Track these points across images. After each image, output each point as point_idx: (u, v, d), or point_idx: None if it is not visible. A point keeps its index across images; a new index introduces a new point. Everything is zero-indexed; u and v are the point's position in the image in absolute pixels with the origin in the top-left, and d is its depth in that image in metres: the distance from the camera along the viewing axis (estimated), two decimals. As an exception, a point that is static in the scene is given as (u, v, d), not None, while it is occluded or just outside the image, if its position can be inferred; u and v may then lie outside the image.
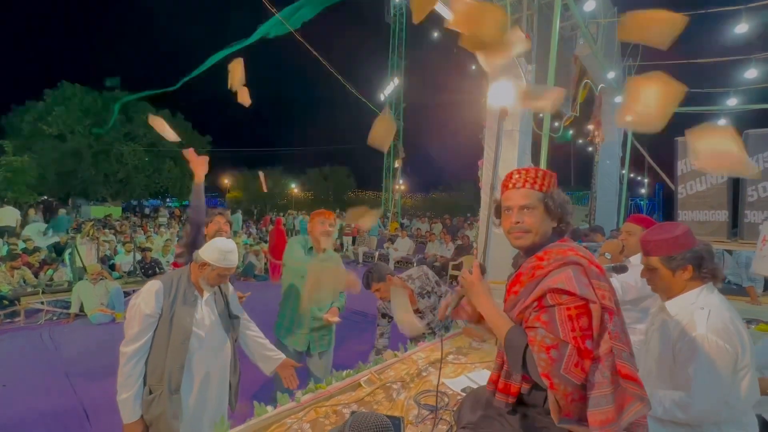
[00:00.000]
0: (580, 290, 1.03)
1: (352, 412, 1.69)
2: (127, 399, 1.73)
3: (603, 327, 1.04)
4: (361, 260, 11.94)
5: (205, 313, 1.91)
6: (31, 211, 10.20)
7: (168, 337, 1.79)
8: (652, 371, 1.62)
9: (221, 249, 1.84)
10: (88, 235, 8.09)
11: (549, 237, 1.23)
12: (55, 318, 5.91)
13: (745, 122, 7.87)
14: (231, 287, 2.17)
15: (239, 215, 17.39)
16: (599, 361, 1.02)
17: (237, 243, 10.14)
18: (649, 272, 1.61)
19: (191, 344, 1.83)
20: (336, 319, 2.60)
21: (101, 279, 6.07)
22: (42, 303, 5.86)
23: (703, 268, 1.52)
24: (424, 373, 2.23)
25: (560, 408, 1.04)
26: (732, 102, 7.66)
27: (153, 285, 1.84)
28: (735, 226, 4.04)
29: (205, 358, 1.89)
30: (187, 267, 1.96)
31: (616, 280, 2.28)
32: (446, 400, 1.92)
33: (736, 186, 3.97)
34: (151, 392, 1.78)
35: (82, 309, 5.88)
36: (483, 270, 1.28)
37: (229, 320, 2.02)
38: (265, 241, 11.18)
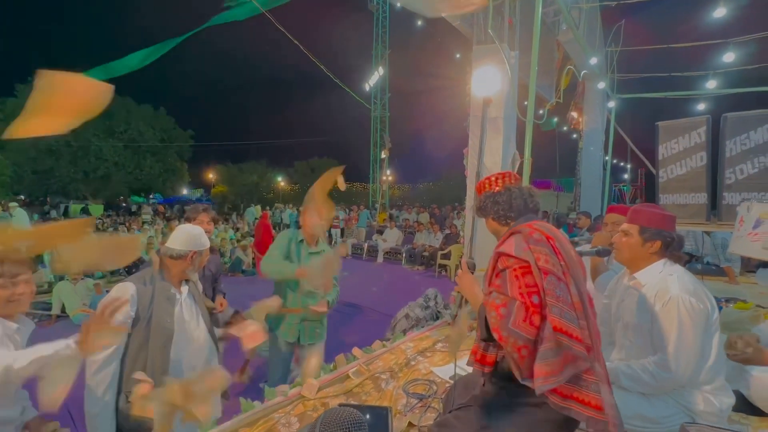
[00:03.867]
0: (516, 251, 1.19)
1: (340, 404, 1.68)
2: (98, 414, 1.64)
3: (540, 285, 1.15)
4: (350, 252, 11.91)
5: (185, 309, 1.84)
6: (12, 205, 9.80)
7: (146, 340, 1.70)
8: (632, 343, 1.70)
9: (193, 234, 1.82)
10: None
11: (501, 225, 1.42)
12: (36, 320, 5.76)
13: (723, 106, 8.04)
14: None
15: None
16: (546, 318, 1.12)
17: (224, 238, 9.94)
18: (623, 235, 1.75)
19: (175, 344, 1.75)
20: (323, 309, 2.53)
21: (82, 279, 5.92)
22: (21, 305, 5.70)
23: (669, 250, 1.68)
24: (413, 363, 2.24)
25: (516, 364, 1.14)
26: (711, 85, 7.79)
27: (125, 287, 1.72)
28: (714, 208, 4.13)
29: (190, 355, 1.82)
30: (155, 265, 1.86)
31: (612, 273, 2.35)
32: (435, 388, 1.93)
33: (714, 169, 4.05)
34: (129, 399, 1.68)
35: (63, 310, 5.74)
36: (471, 267, 1.45)
37: (207, 315, 1.96)
38: (252, 236, 11.05)
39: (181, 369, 1.78)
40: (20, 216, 9.40)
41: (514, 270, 1.17)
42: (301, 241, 2.64)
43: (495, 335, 1.13)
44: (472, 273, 1.43)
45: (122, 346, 1.70)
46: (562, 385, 1.11)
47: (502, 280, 1.20)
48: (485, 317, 1.18)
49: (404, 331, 2.72)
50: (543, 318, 1.12)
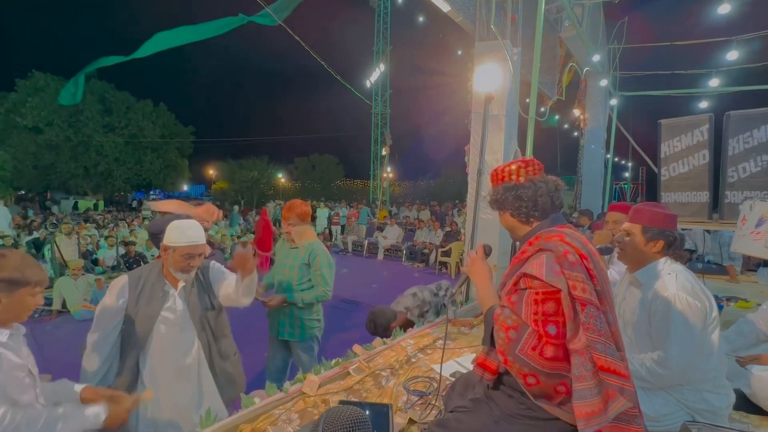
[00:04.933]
0: (547, 276, 1.04)
1: (340, 401, 1.68)
2: None
3: (576, 318, 1.03)
4: (350, 249, 11.92)
5: (176, 307, 1.78)
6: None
7: (130, 334, 1.72)
8: (632, 341, 1.71)
9: (178, 226, 1.71)
10: (62, 232, 7.87)
11: (521, 223, 1.26)
12: (36, 315, 5.75)
13: (726, 104, 8.01)
14: (217, 267, 2.00)
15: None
16: (581, 353, 1.01)
17: (224, 234, 9.94)
18: (626, 234, 1.75)
19: (153, 341, 1.73)
20: (273, 302, 2.46)
21: (83, 274, 5.92)
22: (22, 300, 5.70)
23: (671, 249, 1.67)
24: (413, 360, 2.24)
25: (524, 388, 1.09)
26: (714, 83, 7.75)
27: (119, 279, 1.77)
28: (716, 206, 4.12)
29: (168, 356, 1.76)
30: (160, 260, 1.84)
31: (614, 271, 2.37)
32: (435, 385, 1.93)
33: (717, 167, 4.03)
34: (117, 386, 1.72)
35: (64, 305, 5.74)
36: (488, 251, 1.37)
37: (204, 312, 1.85)
38: (252, 233, 11.05)
39: (154, 366, 1.75)
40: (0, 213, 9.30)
41: (536, 293, 1.05)
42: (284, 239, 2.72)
43: (500, 357, 1.07)
44: (487, 257, 1.36)
45: (113, 335, 1.73)
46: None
47: (518, 297, 1.09)
48: (492, 326, 1.12)
49: (404, 329, 2.71)
50: (569, 352, 1.03)
